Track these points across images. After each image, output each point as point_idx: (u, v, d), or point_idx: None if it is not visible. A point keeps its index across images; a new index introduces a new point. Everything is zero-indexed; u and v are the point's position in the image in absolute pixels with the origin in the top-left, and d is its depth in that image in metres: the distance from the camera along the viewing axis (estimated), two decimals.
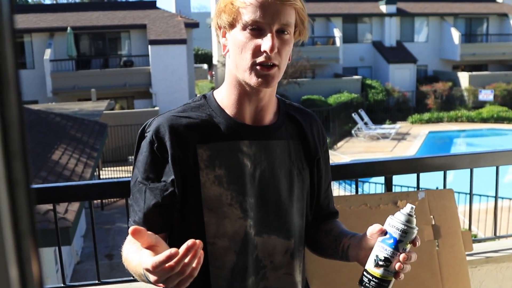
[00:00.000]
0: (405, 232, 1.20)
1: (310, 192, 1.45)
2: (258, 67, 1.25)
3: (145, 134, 1.34)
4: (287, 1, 1.22)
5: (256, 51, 1.24)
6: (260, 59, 1.23)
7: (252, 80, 1.26)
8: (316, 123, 1.50)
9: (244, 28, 1.24)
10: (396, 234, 1.20)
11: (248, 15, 1.22)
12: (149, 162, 1.32)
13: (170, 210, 1.33)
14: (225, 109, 1.35)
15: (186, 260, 1.00)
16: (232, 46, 1.28)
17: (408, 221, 1.21)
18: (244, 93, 1.32)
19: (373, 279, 1.22)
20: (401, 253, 1.20)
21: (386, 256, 1.20)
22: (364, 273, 1.24)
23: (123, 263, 1.27)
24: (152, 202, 1.31)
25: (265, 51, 1.22)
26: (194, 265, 1.02)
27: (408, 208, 1.23)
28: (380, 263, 1.20)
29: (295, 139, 1.41)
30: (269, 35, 1.22)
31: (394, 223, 1.21)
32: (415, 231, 1.21)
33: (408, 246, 1.21)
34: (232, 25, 1.27)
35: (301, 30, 1.31)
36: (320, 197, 1.49)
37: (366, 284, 1.23)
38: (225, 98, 1.36)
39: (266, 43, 1.22)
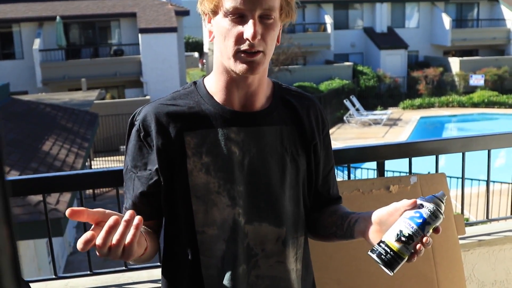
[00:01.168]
0: (435, 216, 1.19)
1: (307, 178, 1.41)
2: (242, 54, 1.22)
3: (134, 122, 1.34)
4: None
5: (239, 39, 1.21)
6: (244, 46, 1.21)
7: (237, 67, 1.24)
8: (315, 107, 1.43)
9: (226, 15, 1.21)
10: (427, 215, 1.18)
11: (229, 2, 1.19)
12: (137, 151, 1.32)
13: (158, 198, 1.34)
14: (214, 95, 1.33)
15: (114, 241, 1.03)
16: (216, 33, 1.26)
17: (440, 206, 1.20)
18: (232, 79, 1.30)
19: (390, 252, 1.18)
20: (424, 235, 1.18)
21: (411, 233, 1.17)
22: (381, 244, 1.20)
23: None
24: (139, 190, 1.33)
25: (247, 39, 1.20)
26: (129, 237, 1.05)
27: (441, 193, 1.22)
28: (403, 238, 1.18)
29: (289, 125, 1.36)
30: (250, 21, 1.19)
31: (427, 204, 1.19)
32: (442, 218, 1.20)
33: (431, 231, 1.20)
34: (214, 12, 1.24)
35: (288, 11, 1.27)
36: (318, 183, 1.45)
37: (382, 256, 1.19)
38: (213, 84, 1.34)
39: (248, 30, 1.19)
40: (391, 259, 1.18)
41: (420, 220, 1.18)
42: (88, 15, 24.48)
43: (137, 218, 1.06)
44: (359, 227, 1.30)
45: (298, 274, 1.41)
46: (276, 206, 1.34)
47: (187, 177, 1.29)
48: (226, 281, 1.32)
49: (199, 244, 1.31)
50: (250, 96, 1.33)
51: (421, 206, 1.19)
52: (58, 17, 22.49)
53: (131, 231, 1.05)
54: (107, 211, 1.11)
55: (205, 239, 1.31)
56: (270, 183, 1.33)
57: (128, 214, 1.05)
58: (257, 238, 1.33)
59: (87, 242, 1.01)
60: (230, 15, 1.21)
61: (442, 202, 1.21)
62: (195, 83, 1.38)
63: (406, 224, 1.18)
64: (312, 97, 1.47)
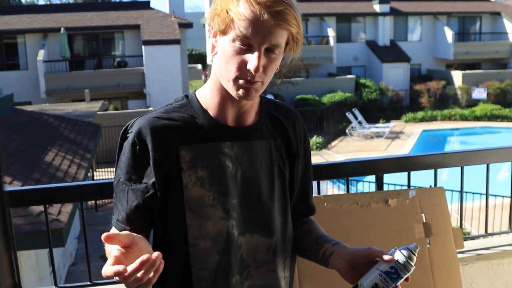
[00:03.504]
0: (408, 270, 1.25)
1: (289, 189, 1.46)
2: (241, 81, 1.25)
3: (127, 135, 1.35)
4: (281, 24, 1.21)
5: (242, 67, 1.23)
6: (244, 76, 1.24)
7: (234, 92, 1.27)
8: (298, 120, 1.49)
9: (234, 40, 1.23)
10: (401, 271, 1.24)
11: (240, 29, 1.20)
12: (131, 164, 1.32)
13: (152, 210, 1.35)
14: (208, 110, 1.35)
15: (139, 274, 1.03)
16: (220, 53, 1.28)
17: (412, 259, 1.26)
18: (228, 97, 1.32)
19: None
20: (397, 287, 1.26)
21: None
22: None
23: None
24: (134, 203, 1.33)
25: (249, 70, 1.22)
26: (150, 275, 1.05)
27: (414, 245, 1.28)
28: None
29: (276, 138, 1.41)
30: (256, 54, 1.21)
31: (401, 258, 1.25)
32: (413, 269, 1.27)
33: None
34: (223, 32, 1.25)
35: (293, 48, 1.29)
36: (293, 193, 1.49)
37: None
38: (208, 99, 1.36)
39: (252, 62, 1.22)
40: None
41: (395, 276, 1.24)
42: (92, 26, 24.60)
43: (162, 263, 1.07)
44: (334, 262, 1.36)
45: (286, 281, 1.46)
46: (267, 217, 1.38)
47: (182, 191, 1.31)
48: None
49: (191, 257, 1.32)
50: (243, 113, 1.36)
51: (397, 263, 1.24)
52: (62, 29, 22.62)
53: (153, 272, 1.06)
54: (133, 235, 1.14)
55: (197, 252, 1.32)
56: (261, 195, 1.37)
57: (156, 254, 1.05)
58: (249, 249, 1.37)
59: (118, 273, 1.01)
60: (238, 42, 1.22)
61: (415, 255, 1.27)
62: (186, 96, 1.40)
63: (381, 278, 1.25)
64: (295, 110, 1.52)
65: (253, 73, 1.22)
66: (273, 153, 1.40)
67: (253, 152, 1.36)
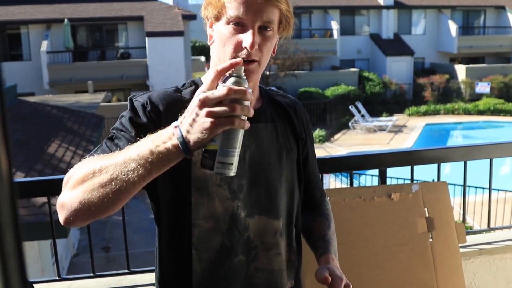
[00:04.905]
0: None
1: (297, 170, 1.48)
2: None
3: (136, 100, 1.33)
4: (270, 0, 1.25)
5: (238, 46, 1.27)
6: (241, 54, 1.26)
7: None
8: (299, 105, 1.55)
9: (228, 22, 1.27)
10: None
11: (232, 10, 1.25)
12: (138, 121, 1.29)
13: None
14: None
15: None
16: (216, 39, 1.32)
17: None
18: None
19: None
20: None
21: None
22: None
23: (91, 176, 1.14)
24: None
25: (245, 47, 1.25)
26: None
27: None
28: None
29: (281, 122, 1.46)
30: (250, 31, 1.25)
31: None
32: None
33: None
34: (217, 18, 1.30)
35: (285, 26, 1.33)
36: (308, 172, 1.55)
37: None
38: None
39: (247, 39, 1.25)
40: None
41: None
42: (96, 18, 24.57)
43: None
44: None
45: (293, 265, 1.48)
46: (275, 199, 1.40)
47: (191, 168, 1.31)
48: (220, 272, 1.35)
49: (193, 237, 1.33)
50: None
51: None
52: (66, 20, 22.59)
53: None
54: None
55: (200, 233, 1.33)
56: (269, 177, 1.39)
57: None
58: (257, 231, 1.38)
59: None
60: (232, 23, 1.27)
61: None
62: (194, 82, 1.42)
63: None
64: (294, 97, 1.58)
65: (249, 49, 1.25)
66: (280, 136, 1.44)
67: (259, 135, 1.39)
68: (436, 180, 2.60)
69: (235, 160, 1.11)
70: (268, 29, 1.28)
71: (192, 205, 1.32)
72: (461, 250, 2.50)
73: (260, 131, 1.40)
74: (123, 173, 1.09)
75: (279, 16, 1.30)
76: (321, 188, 1.65)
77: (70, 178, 1.20)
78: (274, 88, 1.55)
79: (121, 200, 1.13)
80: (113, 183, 1.10)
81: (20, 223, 0.42)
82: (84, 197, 1.13)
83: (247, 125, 1.05)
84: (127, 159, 1.09)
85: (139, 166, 1.07)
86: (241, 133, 1.09)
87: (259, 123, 1.40)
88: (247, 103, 1.05)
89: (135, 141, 1.15)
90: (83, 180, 1.15)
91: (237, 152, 1.10)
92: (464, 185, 2.71)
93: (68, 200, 1.17)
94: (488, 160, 2.72)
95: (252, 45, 1.24)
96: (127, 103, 1.34)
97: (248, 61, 1.26)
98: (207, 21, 1.35)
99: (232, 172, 1.11)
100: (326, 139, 19.80)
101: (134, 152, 1.08)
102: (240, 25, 1.26)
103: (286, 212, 1.44)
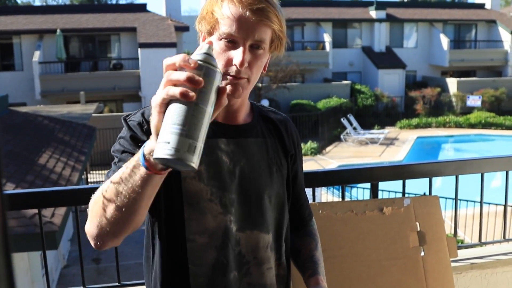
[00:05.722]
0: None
1: (286, 187, 1.49)
2: (228, 77, 1.29)
3: (131, 119, 1.33)
4: (263, 20, 1.27)
5: (228, 63, 1.28)
6: (231, 71, 1.28)
7: None
8: (289, 123, 1.56)
9: (220, 38, 1.28)
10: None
11: (225, 27, 1.27)
12: (137, 142, 1.30)
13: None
14: None
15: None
16: None
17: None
18: None
19: None
20: None
21: None
22: None
23: (101, 197, 1.16)
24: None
25: (235, 65, 1.27)
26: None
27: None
28: None
29: (271, 137, 1.47)
30: (241, 49, 1.27)
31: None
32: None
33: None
34: (210, 33, 1.32)
35: (277, 46, 1.35)
36: (296, 189, 1.55)
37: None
38: None
39: (237, 57, 1.27)
40: None
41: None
42: (89, 28, 24.59)
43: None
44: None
45: (282, 280, 1.49)
46: (266, 214, 1.40)
47: (181, 184, 1.31)
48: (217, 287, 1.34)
49: (188, 253, 1.33)
50: (233, 112, 1.40)
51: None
52: (58, 30, 22.59)
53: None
54: None
55: (195, 248, 1.33)
56: (260, 192, 1.40)
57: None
58: (249, 246, 1.38)
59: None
60: (224, 40, 1.28)
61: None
62: None
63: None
64: (284, 114, 1.59)
65: (238, 67, 1.26)
66: (270, 151, 1.44)
67: (249, 149, 1.40)
68: (428, 193, 2.61)
69: (177, 141, 0.94)
70: (259, 48, 1.30)
71: (185, 220, 1.32)
72: (453, 264, 2.50)
73: (250, 146, 1.40)
74: (118, 195, 1.12)
75: (271, 36, 1.31)
76: (309, 207, 1.66)
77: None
78: (265, 104, 1.56)
79: (132, 217, 1.15)
80: (114, 204, 1.13)
81: (9, 234, 0.42)
82: (98, 221, 1.17)
83: (191, 94, 0.98)
84: (115, 181, 1.12)
85: (126, 186, 1.10)
86: (187, 111, 0.96)
87: (249, 138, 1.41)
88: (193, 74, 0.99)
89: None
90: (93, 206, 1.19)
91: (180, 130, 0.95)
92: (456, 199, 2.72)
93: (88, 228, 1.21)
94: (480, 174, 2.73)
95: (241, 63, 1.26)
96: (123, 123, 1.35)
97: (238, 77, 1.28)
98: (200, 35, 1.37)
99: (172, 154, 0.93)
100: (318, 151, 19.82)
101: (117, 175, 1.12)
102: (231, 42, 1.28)
103: (275, 227, 1.44)
